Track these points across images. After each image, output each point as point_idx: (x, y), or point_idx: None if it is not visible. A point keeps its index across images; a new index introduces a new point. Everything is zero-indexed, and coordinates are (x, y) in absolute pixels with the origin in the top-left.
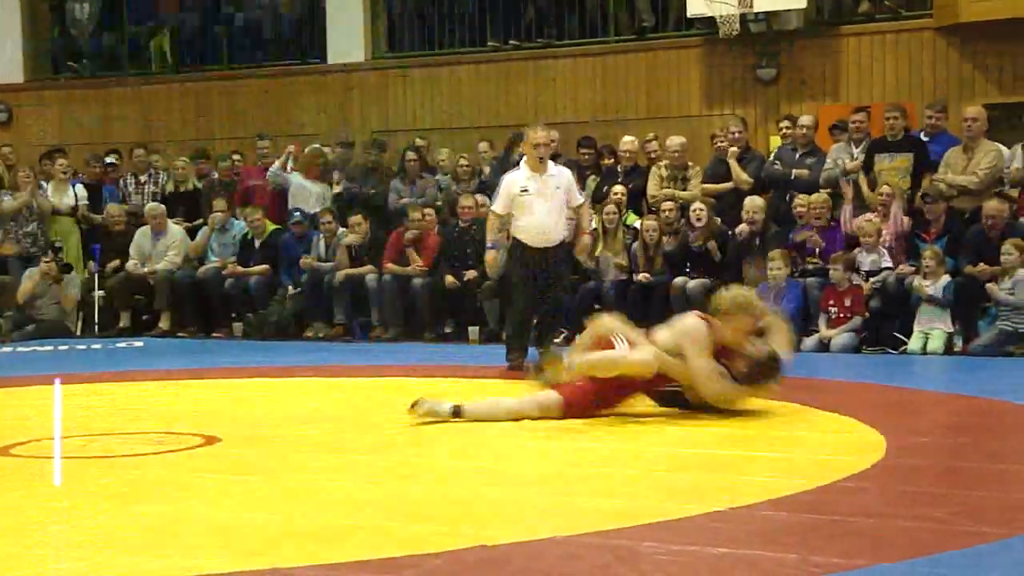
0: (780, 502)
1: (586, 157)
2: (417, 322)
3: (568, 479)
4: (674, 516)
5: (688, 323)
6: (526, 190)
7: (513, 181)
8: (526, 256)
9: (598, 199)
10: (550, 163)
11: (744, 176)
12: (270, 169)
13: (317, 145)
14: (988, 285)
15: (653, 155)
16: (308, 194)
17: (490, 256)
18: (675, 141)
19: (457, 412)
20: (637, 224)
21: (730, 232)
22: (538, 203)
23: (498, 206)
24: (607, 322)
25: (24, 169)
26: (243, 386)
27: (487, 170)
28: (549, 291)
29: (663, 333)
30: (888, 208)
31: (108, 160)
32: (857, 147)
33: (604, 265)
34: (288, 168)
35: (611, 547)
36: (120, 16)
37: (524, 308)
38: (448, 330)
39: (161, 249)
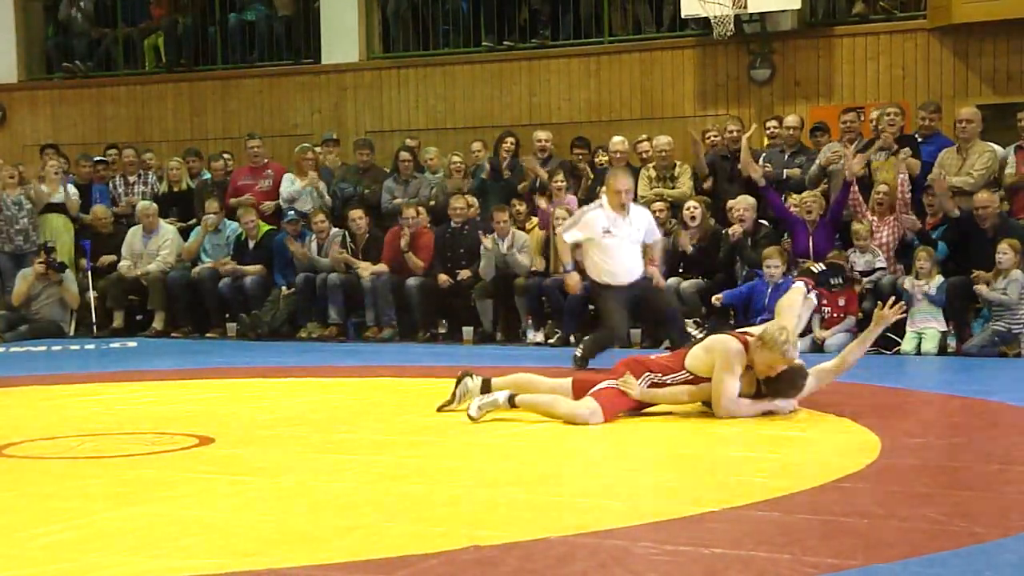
0: (775, 502)
1: (579, 157)
2: (411, 322)
3: (561, 479)
4: (668, 516)
5: (725, 345)
6: (609, 231)
7: (595, 219)
8: (616, 289)
9: (591, 199)
10: (631, 205)
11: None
12: (282, 192)
13: (307, 144)
14: (976, 287)
15: (645, 155)
16: (302, 193)
17: (571, 279)
18: (662, 140)
19: (512, 401)
20: None
21: (724, 231)
22: (621, 247)
23: (569, 236)
24: (627, 377)
25: (8, 167)
26: (237, 386)
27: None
28: (651, 309)
29: (699, 352)
30: (885, 207)
31: (98, 157)
32: (849, 146)
33: None
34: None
35: (605, 547)
36: (114, 15)
37: (617, 332)
38: (442, 330)
39: (153, 248)
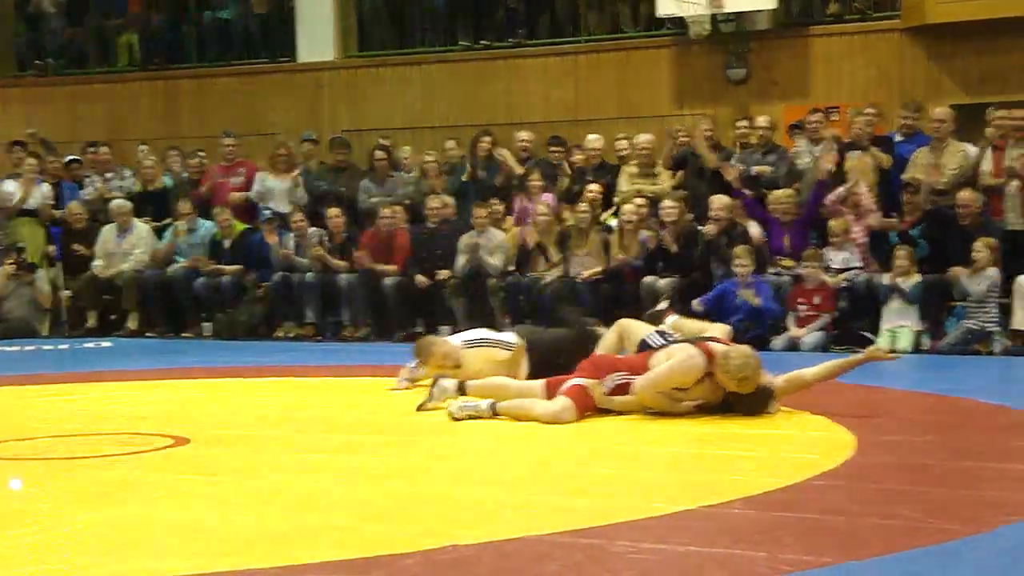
0: (751, 500)
1: (556, 154)
2: (388, 322)
3: (539, 478)
4: (645, 515)
5: (687, 352)
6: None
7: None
8: None
9: (570, 199)
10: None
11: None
12: (253, 191)
13: (309, 133)
14: (954, 269)
15: (623, 153)
16: (276, 191)
17: None
18: (643, 138)
19: (494, 410)
20: (613, 223)
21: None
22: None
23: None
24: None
25: None
26: (213, 386)
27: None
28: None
29: (661, 358)
30: (860, 207)
31: (70, 156)
32: (816, 146)
33: (577, 264)
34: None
35: (582, 546)
36: (87, 12)
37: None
38: (419, 329)
39: (127, 248)
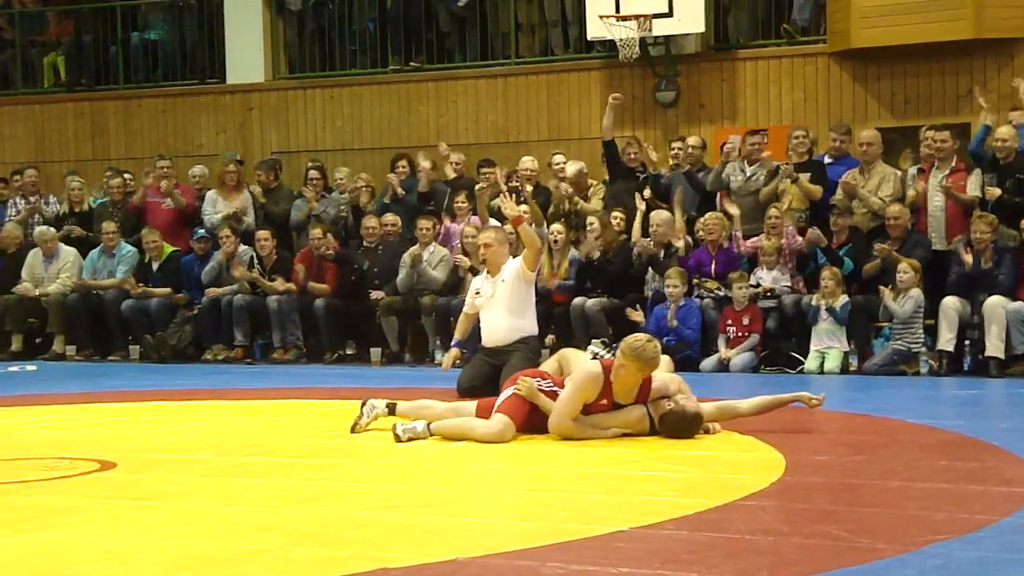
0: (681, 521)
1: (485, 176)
2: (318, 344)
3: (470, 501)
4: (577, 536)
5: (583, 366)
6: (478, 293)
7: (474, 283)
8: (482, 350)
9: (502, 221)
10: (510, 261)
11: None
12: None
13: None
14: (882, 289)
15: (558, 172)
16: (219, 212)
17: (448, 355)
18: (573, 168)
19: (429, 430)
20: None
21: (633, 248)
22: (484, 308)
23: (466, 306)
24: (522, 379)
25: None
26: (140, 410)
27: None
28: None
29: (567, 384)
30: (779, 230)
31: None
32: (750, 166)
33: None
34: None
35: (514, 568)
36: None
37: (458, 385)
38: (350, 352)
39: (53, 273)
